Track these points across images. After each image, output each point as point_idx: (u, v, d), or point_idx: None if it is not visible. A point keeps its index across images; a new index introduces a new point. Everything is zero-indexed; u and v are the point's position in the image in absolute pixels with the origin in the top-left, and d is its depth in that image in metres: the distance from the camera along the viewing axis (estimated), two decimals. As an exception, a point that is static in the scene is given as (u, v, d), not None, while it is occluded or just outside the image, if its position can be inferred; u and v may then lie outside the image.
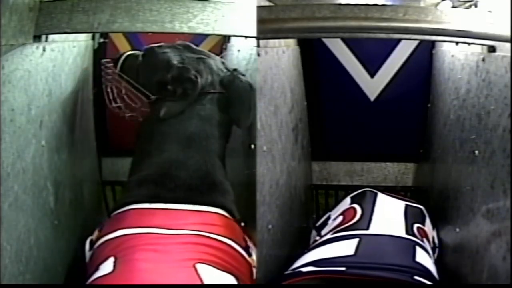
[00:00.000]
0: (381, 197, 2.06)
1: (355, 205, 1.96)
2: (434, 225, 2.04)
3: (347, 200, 2.09)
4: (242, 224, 1.59)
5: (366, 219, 1.81)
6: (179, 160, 1.56)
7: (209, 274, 1.29)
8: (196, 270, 1.28)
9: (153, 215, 1.45)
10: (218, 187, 1.56)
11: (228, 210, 1.54)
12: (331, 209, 2.14)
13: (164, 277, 1.25)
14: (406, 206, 2.00)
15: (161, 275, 1.26)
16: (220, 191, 1.56)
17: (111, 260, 1.32)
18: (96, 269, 1.33)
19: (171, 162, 1.55)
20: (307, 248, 1.85)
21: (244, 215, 1.69)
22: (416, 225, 1.86)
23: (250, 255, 1.50)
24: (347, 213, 1.92)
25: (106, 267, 1.31)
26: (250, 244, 1.53)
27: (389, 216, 1.86)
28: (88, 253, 1.50)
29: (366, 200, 1.98)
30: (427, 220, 2.00)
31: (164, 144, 1.59)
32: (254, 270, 1.48)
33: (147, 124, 1.67)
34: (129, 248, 1.34)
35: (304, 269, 1.56)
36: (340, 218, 1.91)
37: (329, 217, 2.06)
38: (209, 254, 1.36)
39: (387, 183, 2.84)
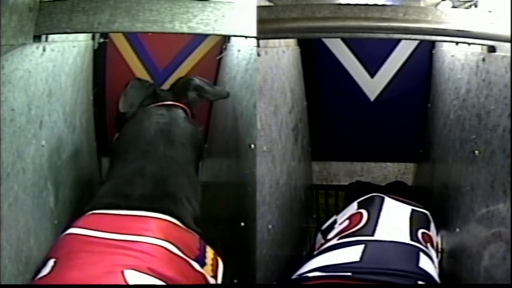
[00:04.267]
0: (388, 202, 2.05)
1: (362, 210, 1.97)
2: (438, 230, 2.06)
3: (354, 205, 2.08)
4: (197, 234, 1.52)
5: (372, 225, 1.83)
6: (137, 168, 1.57)
7: (137, 281, 1.28)
8: (123, 276, 1.27)
9: (102, 220, 1.45)
10: (170, 195, 1.53)
11: (178, 217, 1.49)
12: (337, 213, 2.14)
13: (91, 282, 1.28)
14: (412, 211, 2.00)
15: (89, 280, 1.27)
16: (171, 198, 1.53)
17: (51, 262, 1.34)
18: (39, 270, 1.36)
19: (131, 170, 1.57)
20: (310, 249, 1.93)
21: (244, 215, 1.69)
22: (421, 231, 1.88)
23: (202, 264, 1.45)
24: (354, 218, 1.93)
25: (45, 269, 1.33)
26: (208, 254, 1.49)
27: (394, 222, 1.88)
28: None
29: (373, 205, 1.99)
30: (432, 225, 2.02)
31: (126, 154, 1.62)
32: (212, 280, 1.46)
33: (115, 141, 1.74)
34: (69, 253, 1.36)
35: (311, 275, 1.60)
36: (347, 222, 1.93)
37: (335, 221, 2.06)
38: (144, 260, 1.33)
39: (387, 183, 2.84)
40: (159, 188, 1.53)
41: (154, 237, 1.39)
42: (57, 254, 1.37)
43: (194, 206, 1.58)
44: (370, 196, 2.11)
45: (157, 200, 1.50)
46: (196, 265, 1.42)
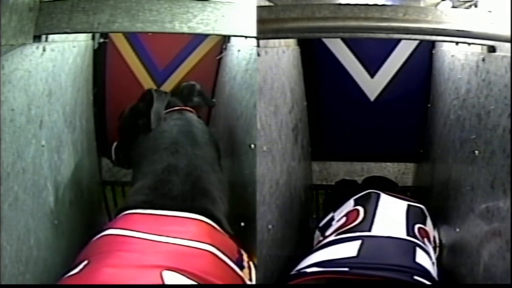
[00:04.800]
0: (384, 198, 2.08)
1: (359, 207, 2.00)
2: (435, 225, 2.09)
3: (351, 202, 2.11)
4: (232, 236, 1.54)
5: (369, 221, 1.85)
6: (170, 165, 1.59)
7: (175, 282, 1.23)
8: (161, 277, 1.22)
9: (141, 220, 1.44)
10: (206, 193, 1.55)
11: (216, 219, 1.49)
12: (334, 210, 2.16)
13: (125, 282, 1.22)
14: (408, 206, 2.03)
15: (122, 279, 1.21)
16: (208, 197, 1.54)
17: (83, 264, 1.29)
18: (69, 270, 1.30)
19: (163, 168, 1.59)
20: (310, 249, 1.90)
21: (244, 215, 1.69)
22: (417, 226, 1.90)
23: (242, 267, 1.43)
24: (351, 215, 1.96)
25: (76, 269, 1.28)
26: (245, 257, 1.49)
27: (391, 217, 1.90)
28: None
29: (369, 202, 2.01)
30: (428, 220, 2.05)
31: (153, 155, 1.65)
32: (249, 283, 1.44)
33: (136, 144, 1.78)
34: (102, 253, 1.31)
35: (309, 270, 1.62)
36: (344, 219, 1.95)
37: (332, 218, 2.09)
38: (184, 262, 1.29)
39: (387, 183, 2.84)
40: (196, 186, 1.55)
41: (197, 241, 1.37)
42: (89, 255, 1.32)
43: (226, 205, 1.60)
44: (367, 192, 2.13)
45: (195, 199, 1.51)
46: (237, 269, 1.41)
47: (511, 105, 1.43)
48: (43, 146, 1.52)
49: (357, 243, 1.70)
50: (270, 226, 1.75)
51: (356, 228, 1.84)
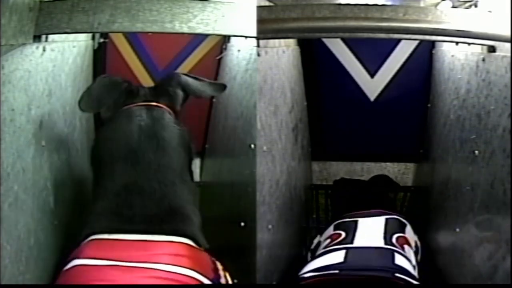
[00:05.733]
0: (362, 221, 2.20)
1: (340, 231, 2.17)
2: (416, 231, 2.25)
3: (331, 227, 2.25)
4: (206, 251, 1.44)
5: (350, 237, 2.09)
6: (131, 181, 1.43)
7: None
8: None
9: (112, 246, 1.34)
10: (177, 213, 1.42)
11: (191, 238, 1.39)
12: (320, 235, 2.32)
13: None
14: (386, 220, 2.19)
15: None
16: (179, 217, 1.41)
17: None
18: None
19: (124, 187, 1.43)
20: (310, 249, 2.23)
21: (244, 215, 1.69)
22: (395, 235, 2.09)
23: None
24: (334, 236, 2.16)
25: None
26: (220, 272, 1.41)
27: (370, 233, 2.12)
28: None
29: (349, 227, 2.17)
30: (408, 228, 2.21)
31: (112, 165, 1.47)
32: None
33: (95, 143, 1.60)
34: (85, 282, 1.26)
35: (306, 275, 1.85)
36: (328, 240, 2.16)
37: (319, 243, 2.24)
38: None
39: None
40: (162, 206, 1.41)
41: (176, 265, 1.29)
42: None
43: (198, 216, 1.48)
44: (345, 221, 2.24)
45: (164, 220, 1.39)
46: None
47: (511, 105, 1.43)
48: (43, 146, 1.51)
49: (343, 252, 1.95)
50: (270, 226, 1.75)
51: (340, 242, 2.07)
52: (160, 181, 1.44)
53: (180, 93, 1.63)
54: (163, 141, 1.49)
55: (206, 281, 1.32)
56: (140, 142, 1.48)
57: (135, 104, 1.56)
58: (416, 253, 2.13)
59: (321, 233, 2.29)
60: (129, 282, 1.24)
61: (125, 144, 1.48)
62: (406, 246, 2.07)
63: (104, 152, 1.51)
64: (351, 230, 2.12)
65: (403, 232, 2.15)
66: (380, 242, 2.03)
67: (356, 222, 2.17)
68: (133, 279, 1.25)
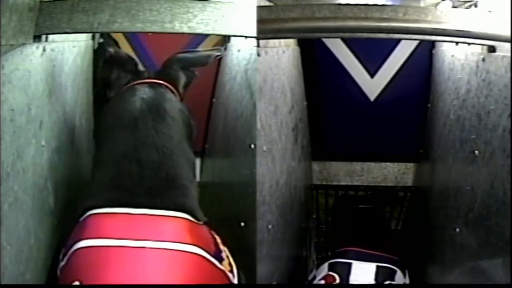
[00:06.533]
0: (355, 265, 2.24)
1: (334, 274, 2.22)
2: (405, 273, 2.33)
3: (326, 266, 2.28)
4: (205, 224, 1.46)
5: (344, 281, 2.16)
6: (130, 149, 1.45)
7: None
8: None
9: (115, 222, 1.35)
10: (176, 183, 1.43)
11: (190, 212, 1.40)
12: (316, 268, 2.37)
13: None
14: (377, 268, 2.24)
15: None
16: (178, 188, 1.42)
17: (76, 283, 1.25)
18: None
19: (123, 154, 1.45)
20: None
21: (244, 215, 1.69)
22: (386, 282, 2.18)
23: (221, 260, 1.38)
24: (328, 278, 2.21)
25: None
26: (221, 247, 1.43)
27: (362, 279, 2.19)
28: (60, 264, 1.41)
29: (343, 270, 2.22)
30: (397, 274, 2.27)
31: (112, 132, 1.51)
32: (230, 275, 1.40)
33: (98, 118, 1.65)
34: (92, 271, 1.27)
35: None
36: (323, 281, 2.21)
37: (314, 277, 2.30)
38: (175, 270, 1.28)
39: (387, 183, 2.84)
40: (161, 175, 1.42)
41: (178, 242, 1.31)
42: (76, 274, 1.28)
43: (195, 188, 1.49)
44: (338, 261, 2.27)
45: (163, 192, 1.40)
46: (218, 265, 1.36)
47: (511, 105, 1.43)
48: (43, 146, 1.51)
49: None
50: (270, 226, 1.75)
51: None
52: (159, 149, 1.46)
53: (182, 75, 1.71)
54: (162, 110, 1.53)
55: (209, 257, 1.33)
56: (140, 110, 1.52)
57: (138, 82, 1.62)
58: None
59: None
60: (140, 268, 1.26)
61: (126, 115, 1.52)
62: None
63: (106, 123, 1.56)
64: (345, 273, 2.19)
65: (393, 279, 2.22)
66: None
67: (349, 265, 2.23)
68: (143, 264, 1.27)
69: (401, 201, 2.95)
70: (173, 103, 1.59)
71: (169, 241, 1.31)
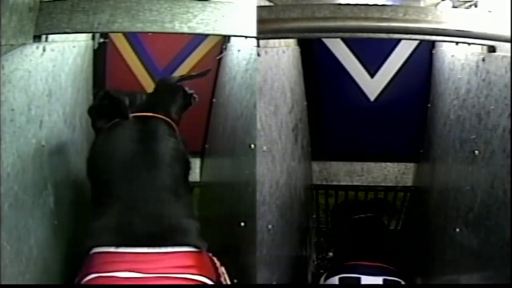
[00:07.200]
0: (365, 280, 2.25)
1: None
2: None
3: (336, 279, 2.30)
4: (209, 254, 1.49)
5: None
6: (128, 202, 1.46)
7: None
8: None
9: (122, 259, 1.38)
10: (176, 229, 1.45)
11: (193, 245, 1.43)
12: (325, 279, 2.38)
13: None
14: (384, 281, 2.25)
15: None
16: (179, 232, 1.45)
17: None
18: None
19: (122, 207, 1.46)
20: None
21: (244, 215, 1.69)
22: None
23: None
24: None
25: None
26: (220, 271, 1.48)
27: None
28: None
29: (352, 285, 2.25)
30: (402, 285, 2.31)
31: (108, 181, 1.50)
32: None
33: (91, 153, 1.61)
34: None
35: None
36: None
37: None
38: None
39: (387, 183, 2.84)
40: (161, 225, 1.44)
41: (187, 273, 1.36)
42: None
43: (195, 225, 1.50)
44: (349, 276, 2.29)
45: (167, 236, 1.43)
46: None
47: (511, 105, 1.43)
48: (43, 146, 1.52)
49: None
50: (270, 226, 1.75)
51: None
52: (156, 202, 1.47)
53: (178, 102, 1.67)
54: (156, 155, 1.52)
55: (210, 283, 1.39)
56: (134, 159, 1.51)
57: (134, 115, 1.57)
58: None
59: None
60: None
61: (119, 160, 1.51)
62: None
63: (100, 166, 1.55)
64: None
65: None
66: None
67: (359, 280, 2.26)
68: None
69: (401, 200, 2.96)
70: (167, 144, 1.55)
71: (177, 273, 1.36)
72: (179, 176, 1.54)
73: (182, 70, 2.49)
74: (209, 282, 1.39)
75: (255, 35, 1.42)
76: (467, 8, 1.94)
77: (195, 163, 2.57)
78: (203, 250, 1.45)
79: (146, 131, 1.55)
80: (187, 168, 1.58)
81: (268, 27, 1.43)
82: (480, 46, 1.73)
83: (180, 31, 1.41)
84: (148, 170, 1.50)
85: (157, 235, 1.43)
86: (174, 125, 1.62)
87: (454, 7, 2.02)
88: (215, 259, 1.49)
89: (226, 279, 1.49)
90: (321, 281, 2.38)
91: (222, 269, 1.50)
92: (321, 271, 2.78)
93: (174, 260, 1.39)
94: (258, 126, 1.61)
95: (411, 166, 2.83)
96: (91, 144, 1.62)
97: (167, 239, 1.42)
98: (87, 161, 1.59)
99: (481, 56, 1.72)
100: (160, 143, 1.54)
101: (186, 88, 1.71)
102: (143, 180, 1.49)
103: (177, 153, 1.55)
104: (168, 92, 1.67)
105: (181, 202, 1.51)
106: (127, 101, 1.58)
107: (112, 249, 1.40)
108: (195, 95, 1.72)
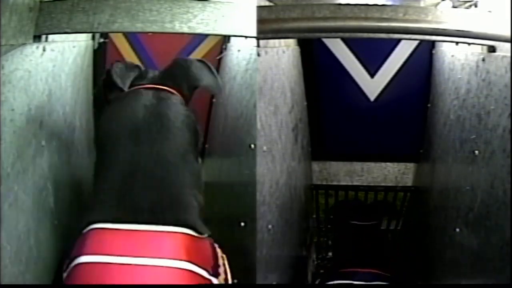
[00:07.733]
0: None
1: None
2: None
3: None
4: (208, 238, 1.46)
5: None
6: (132, 165, 1.43)
7: None
8: None
9: (116, 238, 1.36)
10: (178, 199, 1.42)
11: (192, 227, 1.40)
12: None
13: None
14: None
15: None
16: (181, 204, 1.42)
17: None
18: None
19: (125, 171, 1.43)
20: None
21: (244, 215, 1.69)
22: None
23: (217, 275, 1.40)
24: None
25: None
26: (220, 261, 1.45)
27: None
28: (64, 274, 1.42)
29: None
30: None
31: (114, 144, 1.46)
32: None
33: (99, 124, 1.58)
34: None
35: None
36: None
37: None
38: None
39: (387, 183, 2.84)
40: (164, 192, 1.41)
41: (175, 259, 1.33)
42: None
43: (200, 200, 1.48)
44: (349, 283, 2.32)
45: (168, 210, 1.40)
46: (213, 279, 1.38)
47: (511, 105, 1.43)
48: (43, 146, 1.52)
49: None
50: (270, 226, 1.75)
51: None
52: (162, 164, 1.43)
53: (187, 78, 1.63)
54: (167, 120, 1.48)
55: (203, 272, 1.35)
56: (144, 122, 1.47)
57: (142, 86, 1.56)
58: None
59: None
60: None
61: (129, 124, 1.47)
62: None
63: (108, 132, 1.50)
64: None
65: None
66: None
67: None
68: (140, 282, 1.30)
69: (401, 200, 2.96)
70: (178, 110, 1.52)
71: (166, 258, 1.33)
72: (189, 143, 1.51)
73: (182, 70, 2.49)
74: (200, 271, 1.35)
75: (255, 35, 1.42)
76: (467, 8, 1.94)
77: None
78: (204, 234, 1.42)
79: (156, 99, 1.52)
80: (197, 139, 1.55)
81: (268, 27, 1.43)
82: (480, 46, 1.73)
83: (180, 31, 1.40)
84: (157, 133, 1.46)
85: (157, 208, 1.39)
86: (184, 99, 1.59)
87: (454, 7, 2.02)
88: (216, 246, 1.45)
89: (227, 271, 1.45)
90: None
91: (222, 260, 1.46)
92: (321, 271, 2.79)
93: (169, 241, 1.37)
94: (258, 126, 1.61)
95: (411, 166, 2.84)
96: (99, 113, 1.60)
97: (166, 213, 1.39)
98: (96, 128, 1.60)
99: (481, 56, 1.72)
100: (171, 108, 1.51)
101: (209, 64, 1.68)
102: (150, 143, 1.44)
103: (189, 122, 1.52)
104: (177, 69, 1.64)
105: (188, 171, 1.47)
106: (131, 74, 1.57)
107: (108, 225, 1.37)
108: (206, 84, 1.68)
